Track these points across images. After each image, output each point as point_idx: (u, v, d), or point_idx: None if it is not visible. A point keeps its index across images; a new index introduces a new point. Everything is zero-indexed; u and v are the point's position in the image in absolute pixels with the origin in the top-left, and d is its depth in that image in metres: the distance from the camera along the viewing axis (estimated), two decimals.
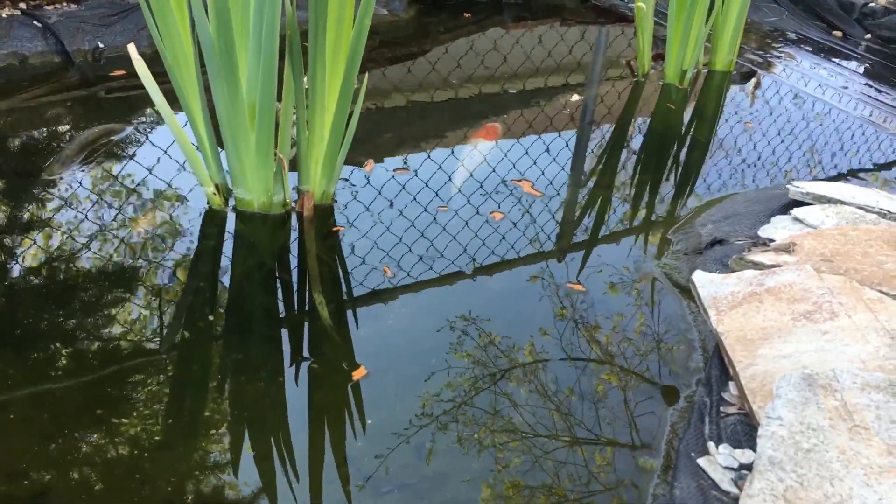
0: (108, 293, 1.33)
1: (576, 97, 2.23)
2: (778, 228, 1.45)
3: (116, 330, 1.25)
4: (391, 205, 1.66)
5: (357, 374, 1.19)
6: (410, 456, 1.04)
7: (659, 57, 2.43)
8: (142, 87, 1.46)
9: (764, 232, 1.46)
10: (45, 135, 1.83)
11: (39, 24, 2.13)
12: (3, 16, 2.14)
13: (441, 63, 2.41)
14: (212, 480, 1.01)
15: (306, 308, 1.35)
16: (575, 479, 1.03)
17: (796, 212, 1.49)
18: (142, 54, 1.50)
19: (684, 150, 2.03)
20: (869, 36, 2.75)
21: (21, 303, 1.27)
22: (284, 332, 1.28)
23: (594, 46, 2.68)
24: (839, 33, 2.79)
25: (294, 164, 1.58)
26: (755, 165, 1.94)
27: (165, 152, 1.75)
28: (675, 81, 2.29)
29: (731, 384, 1.12)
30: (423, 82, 2.27)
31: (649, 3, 2.22)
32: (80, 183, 1.62)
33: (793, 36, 2.70)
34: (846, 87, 2.37)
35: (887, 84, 2.37)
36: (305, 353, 1.24)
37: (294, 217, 1.58)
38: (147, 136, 1.80)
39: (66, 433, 1.03)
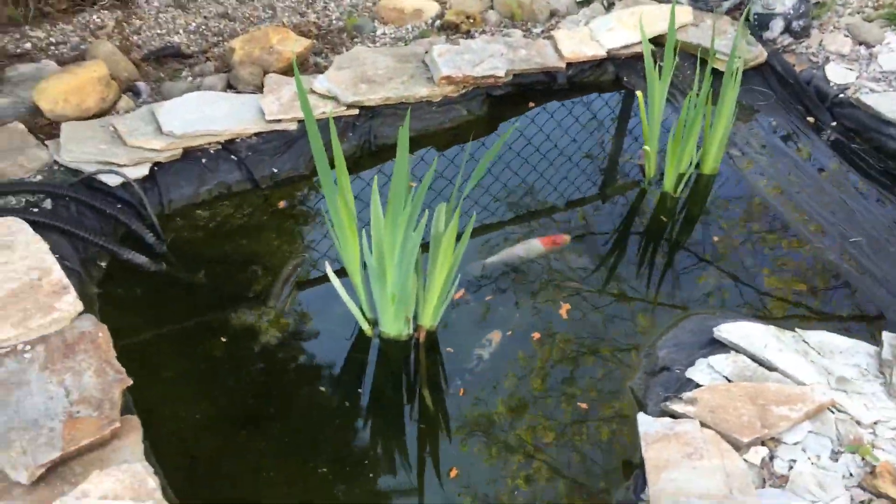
0: (300, 379, 2.50)
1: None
2: (697, 373, 2.52)
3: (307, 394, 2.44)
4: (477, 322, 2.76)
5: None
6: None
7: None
8: (305, 210, 2.57)
9: (689, 373, 2.53)
10: (255, 260, 2.94)
11: (235, 158, 3.19)
12: (212, 151, 3.20)
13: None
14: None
15: (417, 390, 2.52)
16: None
17: (711, 359, 2.54)
18: (300, 175, 2.63)
19: (669, 265, 3.04)
20: (834, 123, 3.63)
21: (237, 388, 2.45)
22: (405, 403, 2.49)
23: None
24: (812, 119, 3.67)
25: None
26: (716, 280, 2.96)
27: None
28: (670, 190, 3.26)
29: (647, 490, 2.24)
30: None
31: (653, 147, 3.17)
32: (287, 313, 2.75)
33: (771, 125, 3.59)
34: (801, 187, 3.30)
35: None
36: (415, 416, 2.43)
37: (413, 340, 2.70)
38: (318, 271, 2.89)
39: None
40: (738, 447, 2.28)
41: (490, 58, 3.59)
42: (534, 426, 2.48)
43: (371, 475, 2.32)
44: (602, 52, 3.78)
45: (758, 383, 2.44)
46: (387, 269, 2.42)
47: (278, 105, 3.27)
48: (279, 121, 3.23)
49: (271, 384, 2.56)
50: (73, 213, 2.82)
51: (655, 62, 3.14)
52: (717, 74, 3.84)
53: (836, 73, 3.72)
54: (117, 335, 2.46)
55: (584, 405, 2.54)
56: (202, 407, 2.49)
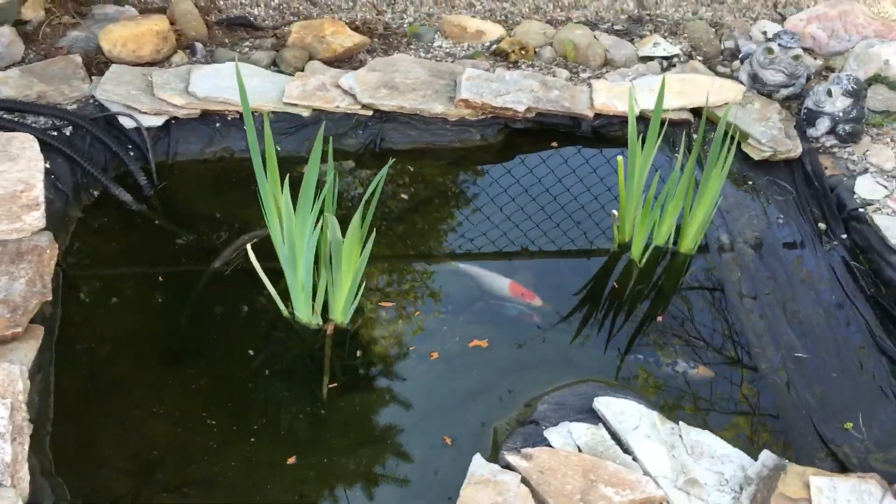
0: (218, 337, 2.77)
1: None
2: (554, 434, 2.61)
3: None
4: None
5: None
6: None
7: None
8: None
9: (547, 432, 2.62)
10: (228, 224, 3.24)
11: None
12: (229, 118, 3.53)
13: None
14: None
15: (323, 371, 2.73)
16: None
17: (572, 425, 2.62)
18: (300, 158, 2.83)
19: (597, 329, 3.10)
20: (845, 237, 3.53)
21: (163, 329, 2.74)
22: (308, 381, 2.72)
23: None
24: (824, 227, 3.58)
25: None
26: (637, 356, 3.00)
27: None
28: (635, 259, 3.31)
29: None
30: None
31: (628, 215, 3.22)
32: (222, 278, 3.03)
33: (777, 221, 3.54)
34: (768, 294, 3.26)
35: None
36: (298, 396, 2.68)
37: (323, 331, 2.93)
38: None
39: None
40: None
41: (518, 91, 3.72)
42: (388, 443, 2.65)
43: (247, 436, 2.60)
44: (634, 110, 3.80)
45: (600, 460, 2.50)
46: (298, 260, 2.65)
47: (300, 91, 3.55)
48: (295, 105, 3.52)
49: (190, 334, 2.86)
50: (86, 143, 3.22)
51: (689, 133, 3.18)
52: (746, 159, 3.82)
53: (865, 187, 3.60)
54: (77, 254, 2.83)
55: (448, 440, 2.68)
56: (123, 336, 2.82)
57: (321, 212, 2.59)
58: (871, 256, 3.41)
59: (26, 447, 2.24)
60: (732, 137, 3.71)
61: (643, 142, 3.13)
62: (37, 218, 2.81)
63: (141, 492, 2.45)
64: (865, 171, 3.73)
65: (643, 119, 3.82)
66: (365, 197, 2.54)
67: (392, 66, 3.78)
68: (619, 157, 3.19)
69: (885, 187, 3.63)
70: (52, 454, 2.42)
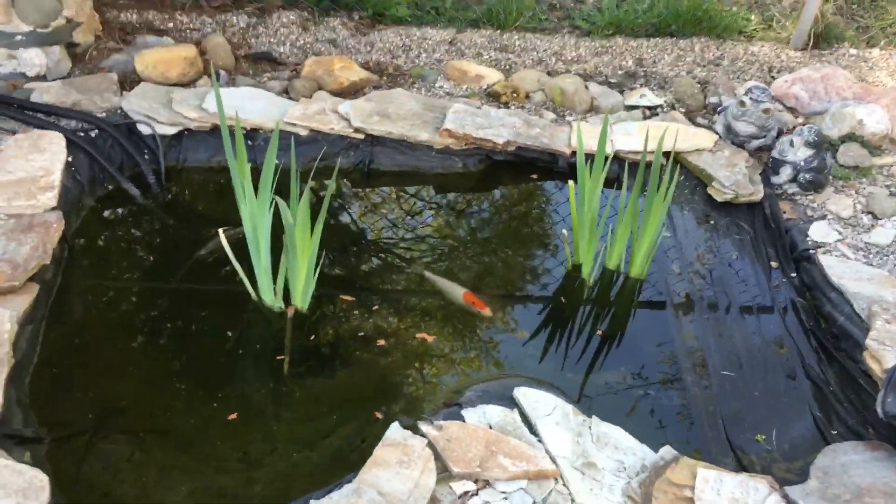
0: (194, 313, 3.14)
1: None
2: (470, 413, 2.88)
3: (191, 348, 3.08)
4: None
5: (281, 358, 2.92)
6: None
7: None
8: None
9: (464, 411, 2.89)
10: (221, 222, 3.65)
11: (250, 143, 3.94)
12: None
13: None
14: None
15: (282, 348, 3.06)
16: None
17: (487, 407, 2.89)
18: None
19: (538, 338, 3.37)
20: (794, 275, 3.74)
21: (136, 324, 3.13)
22: (267, 353, 3.04)
23: None
24: (776, 265, 3.80)
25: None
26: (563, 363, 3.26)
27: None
28: (586, 278, 3.59)
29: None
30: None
31: (581, 236, 3.51)
32: (206, 265, 3.43)
33: (731, 257, 3.77)
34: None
35: None
36: (271, 364, 3.00)
37: (286, 314, 3.28)
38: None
39: None
40: (451, 475, 2.64)
41: (500, 126, 4.09)
42: (327, 414, 2.96)
43: (209, 400, 2.94)
44: (609, 151, 4.12)
45: (504, 435, 2.77)
46: (259, 242, 3.04)
47: (301, 113, 3.99)
48: (294, 125, 3.95)
49: (171, 310, 3.25)
50: (107, 145, 3.70)
51: (663, 173, 3.46)
52: (711, 201, 4.08)
53: (820, 231, 3.80)
54: (84, 235, 3.28)
55: (379, 415, 2.98)
56: (111, 306, 3.23)
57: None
58: (816, 293, 3.60)
59: (3, 376, 2.63)
60: (699, 179, 4.00)
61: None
62: (49, 198, 3.27)
63: (100, 430, 2.80)
64: (823, 217, 3.94)
65: (618, 159, 4.15)
66: (308, 185, 2.90)
67: (388, 99, 4.20)
68: (571, 182, 3.49)
69: (840, 232, 3.83)
70: (29, 390, 2.80)
